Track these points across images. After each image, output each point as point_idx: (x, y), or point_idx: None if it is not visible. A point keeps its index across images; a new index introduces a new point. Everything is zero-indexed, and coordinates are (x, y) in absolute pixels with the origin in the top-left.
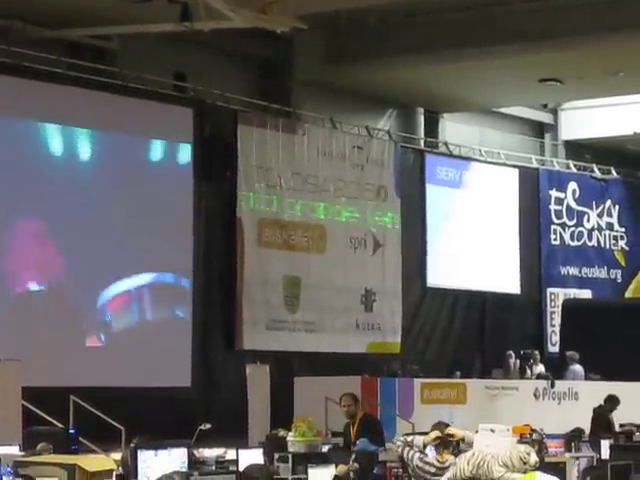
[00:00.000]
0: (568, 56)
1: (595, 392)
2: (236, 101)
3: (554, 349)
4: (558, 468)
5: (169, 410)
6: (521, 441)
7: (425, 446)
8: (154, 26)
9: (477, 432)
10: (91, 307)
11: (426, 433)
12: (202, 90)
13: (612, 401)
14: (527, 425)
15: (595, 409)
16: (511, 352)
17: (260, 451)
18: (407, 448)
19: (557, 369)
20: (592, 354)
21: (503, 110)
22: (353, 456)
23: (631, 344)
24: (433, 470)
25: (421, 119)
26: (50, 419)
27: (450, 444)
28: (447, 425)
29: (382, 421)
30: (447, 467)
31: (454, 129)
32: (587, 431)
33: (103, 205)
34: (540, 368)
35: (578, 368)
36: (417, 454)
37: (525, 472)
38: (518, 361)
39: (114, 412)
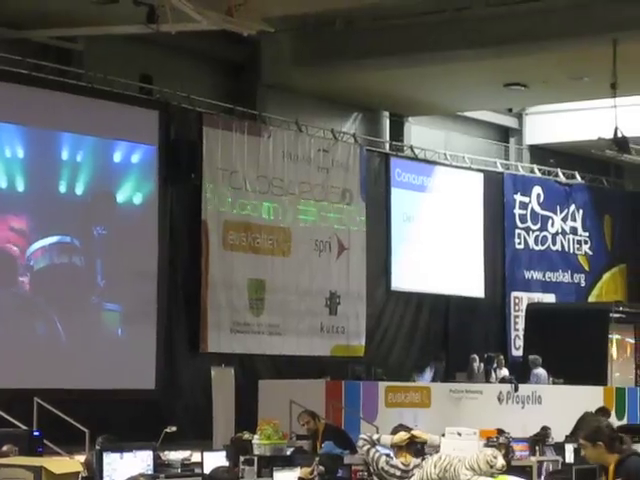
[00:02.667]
0: (533, 61)
1: (558, 396)
2: (202, 103)
3: (518, 353)
4: (524, 471)
5: (133, 412)
6: (488, 444)
7: (393, 446)
8: (120, 28)
9: (443, 435)
10: (57, 309)
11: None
12: (168, 92)
13: (602, 412)
14: (499, 429)
15: (586, 413)
16: (475, 356)
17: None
18: (373, 449)
19: (521, 373)
20: (555, 358)
21: (468, 114)
22: (317, 459)
23: (594, 349)
24: (398, 473)
25: (386, 122)
26: (14, 421)
27: (415, 447)
28: (408, 428)
29: (346, 424)
30: (411, 469)
31: (419, 133)
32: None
33: (67, 209)
34: (504, 372)
35: (542, 372)
36: (383, 457)
37: (492, 475)
38: (482, 365)
39: (78, 414)
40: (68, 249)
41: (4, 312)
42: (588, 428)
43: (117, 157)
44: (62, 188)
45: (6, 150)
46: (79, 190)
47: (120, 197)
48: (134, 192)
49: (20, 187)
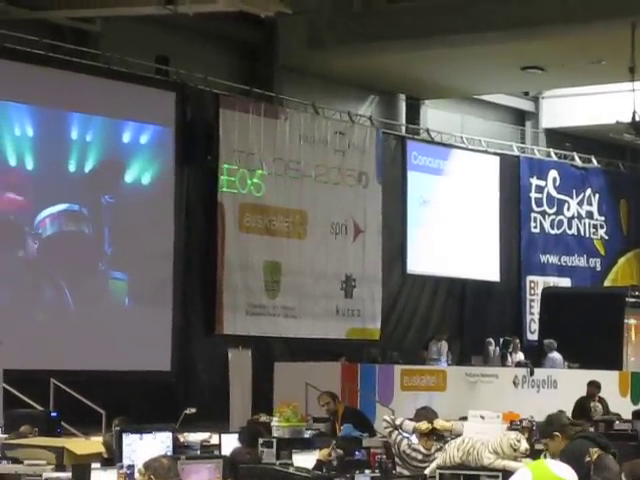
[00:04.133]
0: (550, 44)
1: (574, 380)
2: (218, 85)
3: (533, 337)
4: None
5: (149, 394)
6: (511, 428)
7: (413, 432)
8: (138, 9)
9: (464, 419)
10: (64, 275)
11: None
12: (185, 74)
13: (591, 385)
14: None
15: (579, 398)
16: (491, 339)
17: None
18: (395, 432)
19: (536, 357)
20: (571, 342)
21: (485, 97)
22: (334, 441)
23: (609, 332)
24: (420, 457)
25: (403, 105)
26: (31, 402)
27: (433, 436)
28: (433, 412)
29: (362, 407)
30: (433, 454)
31: (435, 116)
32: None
33: (84, 190)
34: (520, 356)
35: (557, 356)
36: (405, 440)
37: (515, 459)
38: (497, 349)
39: (94, 395)
40: (76, 217)
41: (13, 279)
42: (540, 428)
43: (132, 138)
44: (72, 167)
45: (16, 129)
46: (88, 168)
47: (131, 176)
48: (148, 172)
49: (30, 165)
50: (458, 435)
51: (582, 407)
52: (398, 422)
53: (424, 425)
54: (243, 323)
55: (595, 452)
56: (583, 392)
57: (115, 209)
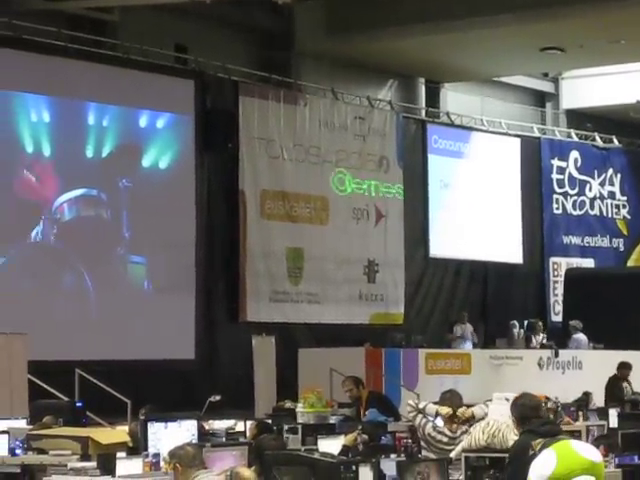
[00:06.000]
0: (569, 24)
1: (599, 361)
2: (237, 72)
3: (557, 319)
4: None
5: (174, 382)
6: None
7: (436, 416)
8: None
9: (489, 401)
10: (83, 260)
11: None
12: (203, 62)
13: (622, 367)
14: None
15: (609, 378)
16: (515, 322)
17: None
18: (419, 415)
19: (561, 338)
20: (595, 323)
21: (504, 79)
22: (360, 426)
23: (634, 313)
24: (445, 440)
25: (422, 89)
26: (55, 392)
27: (459, 419)
28: (458, 394)
29: (387, 392)
30: (458, 436)
31: (455, 99)
32: (594, 396)
33: (101, 174)
34: (543, 338)
35: (582, 337)
36: (430, 423)
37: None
38: (522, 331)
39: (119, 385)
40: (94, 202)
41: (32, 266)
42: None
43: (149, 122)
44: (89, 152)
45: (33, 116)
46: (105, 153)
47: (148, 160)
48: (165, 156)
49: (47, 151)
50: (481, 419)
51: (614, 387)
52: (421, 405)
53: (444, 410)
54: (267, 310)
55: (537, 444)
56: (608, 373)
57: (133, 193)
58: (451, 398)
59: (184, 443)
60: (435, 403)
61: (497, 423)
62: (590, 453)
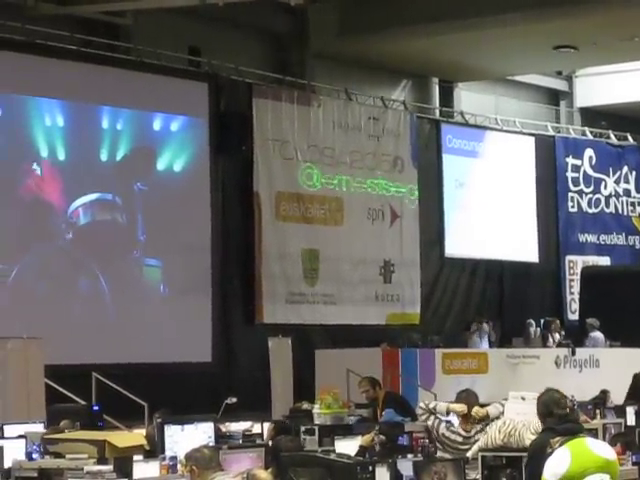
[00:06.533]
0: (582, 22)
1: (616, 359)
2: (251, 74)
3: (574, 317)
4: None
5: (191, 385)
6: None
7: (448, 413)
8: (168, 1)
9: (505, 400)
10: (99, 264)
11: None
12: (217, 64)
13: None
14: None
15: (636, 374)
16: (531, 320)
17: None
18: (431, 417)
19: (577, 337)
20: (612, 321)
21: (518, 78)
22: (377, 427)
23: None
24: (460, 439)
25: (436, 89)
26: (72, 396)
27: (474, 419)
28: (473, 393)
29: (404, 392)
30: (473, 435)
31: (469, 98)
32: (612, 394)
33: (116, 178)
34: (562, 336)
35: (599, 335)
36: (443, 423)
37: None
38: (538, 330)
39: (136, 388)
40: (109, 205)
41: (49, 270)
42: None
43: (163, 125)
44: (103, 156)
45: (47, 120)
46: (119, 157)
47: (163, 164)
48: (180, 159)
49: (61, 156)
50: (496, 418)
51: (637, 385)
52: (432, 406)
53: (459, 407)
54: (283, 312)
55: (556, 442)
56: (626, 371)
57: (148, 196)
58: (467, 397)
59: (201, 445)
60: (451, 402)
61: (513, 422)
62: (604, 451)
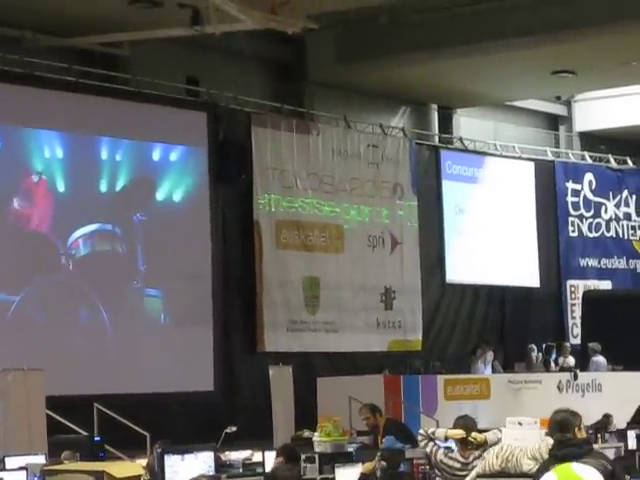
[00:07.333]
0: (580, 47)
1: (618, 383)
2: (249, 103)
3: (576, 341)
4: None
5: (193, 414)
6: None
7: (447, 439)
8: (165, 31)
9: (503, 427)
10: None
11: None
12: (215, 94)
13: None
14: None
15: None
16: (533, 345)
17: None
18: (430, 443)
19: (580, 361)
20: (614, 345)
21: (517, 103)
22: (379, 454)
23: None
24: (458, 465)
25: (435, 115)
26: (74, 427)
27: (472, 445)
28: (471, 419)
29: (406, 419)
30: (471, 462)
31: (468, 124)
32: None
33: (115, 209)
34: (570, 360)
35: (601, 359)
36: (441, 449)
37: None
38: (540, 354)
39: (138, 418)
40: (109, 236)
41: (49, 301)
42: None
43: (162, 156)
44: (102, 187)
45: (46, 151)
46: (118, 187)
47: (162, 194)
48: (179, 190)
49: (61, 187)
50: (494, 444)
51: None
52: (430, 431)
53: (457, 432)
54: (284, 340)
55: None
56: (628, 395)
57: (147, 227)
58: (465, 423)
59: (199, 474)
60: (451, 429)
61: (511, 447)
62: (590, 475)
